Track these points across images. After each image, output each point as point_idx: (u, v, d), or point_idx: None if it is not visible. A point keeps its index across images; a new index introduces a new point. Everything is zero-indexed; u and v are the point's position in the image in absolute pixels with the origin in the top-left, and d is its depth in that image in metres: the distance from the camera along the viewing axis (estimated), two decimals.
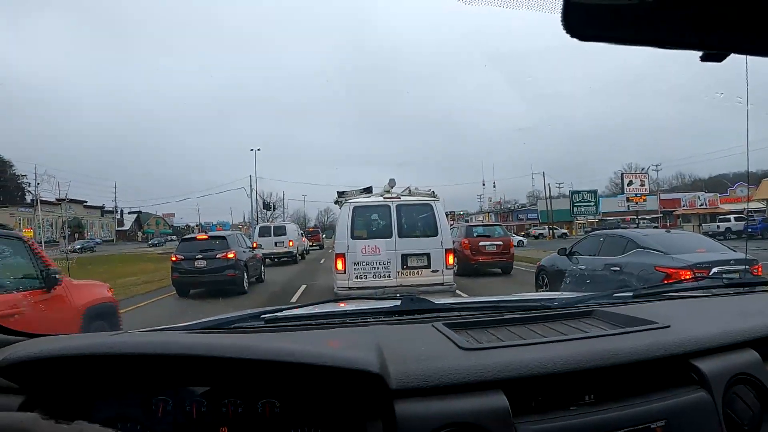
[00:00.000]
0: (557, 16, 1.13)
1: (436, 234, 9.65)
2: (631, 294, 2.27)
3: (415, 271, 9.56)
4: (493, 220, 78.79)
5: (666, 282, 7.10)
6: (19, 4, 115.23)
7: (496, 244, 18.40)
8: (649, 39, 1.20)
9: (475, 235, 18.89)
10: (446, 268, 9.64)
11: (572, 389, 1.36)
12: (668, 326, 1.59)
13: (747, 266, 7.83)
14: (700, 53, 1.21)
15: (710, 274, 7.31)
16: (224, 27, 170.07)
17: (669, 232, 10.76)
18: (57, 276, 5.64)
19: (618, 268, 8.71)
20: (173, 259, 14.95)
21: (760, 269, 8.06)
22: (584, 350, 1.42)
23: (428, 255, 9.61)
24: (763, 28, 1.16)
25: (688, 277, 7.11)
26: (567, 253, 10.44)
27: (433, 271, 9.59)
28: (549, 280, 10.99)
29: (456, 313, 1.97)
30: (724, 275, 7.19)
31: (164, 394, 1.35)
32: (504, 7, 1.15)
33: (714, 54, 1.21)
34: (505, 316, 1.87)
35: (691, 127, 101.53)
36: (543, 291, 10.58)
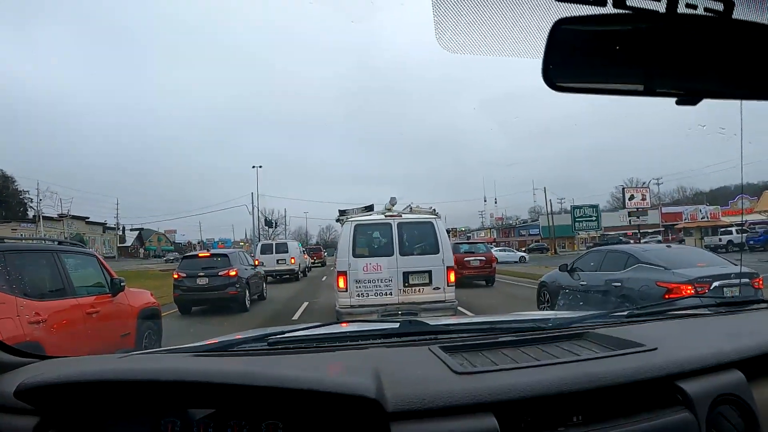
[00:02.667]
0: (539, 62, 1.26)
1: (437, 252, 9.61)
2: (625, 314, 2.33)
3: (417, 288, 9.51)
4: (495, 237, 79.01)
5: (667, 297, 7.30)
6: (24, 17, 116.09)
7: (480, 259, 20.71)
8: (625, 90, 1.32)
9: (461, 251, 20.48)
10: (447, 286, 9.58)
11: (561, 411, 1.41)
12: (656, 348, 1.64)
13: (748, 279, 8.06)
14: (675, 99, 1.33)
15: (711, 288, 7.57)
16: (229, 46, 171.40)
17: (669, 246, 10.90)
18: (122, 284, 7.29)
19: (619, 284, 8.80)
20: (175, 276, 14.92)
21: (761, 282, 8.20)
22: (572, 373, 1.47)
23: (430, 272, 9.55)
24: (729, 76, 1.31)
25: (688, 292, 7.49)
26: (568, 269, 10.52)
27: (434, 289, 9.54)
28: (551, 296, 11.07)
29: (452, 335, 2.03)
30: (724, 288, 7.64)
31: (172, 416, 1.41)
32: (488, 55, 1.28)
33: (687, 99, 1.33)
34: (500, 339, 1.93)
35: (689, 141, 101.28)
36: (545, 307, 11.06)
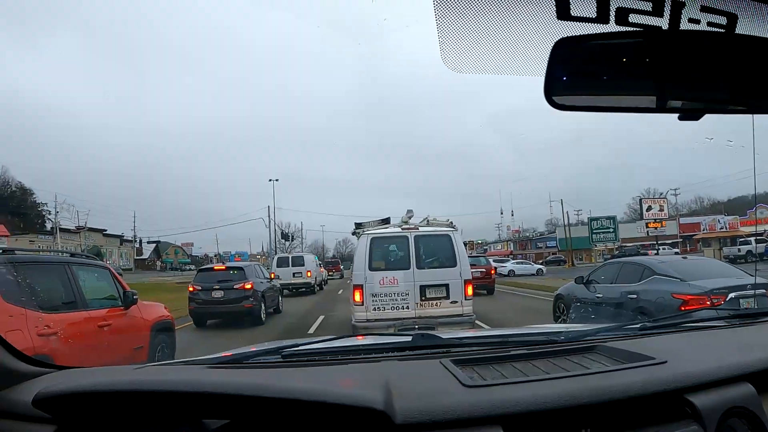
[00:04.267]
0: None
1: (454, 265, 9.47)
2: (638, 327, 2.32)
3: (434, 302, 9.36)
4: (512, 249, 78.88)
5: (682, 309, 7.31)
6: (38, 28, 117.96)
7: (480, 271, 22.65)
8: (628, 107, 1.34)
9: None
10: (465, 299, 9.43)
11: (570, 424, 1.41)
12: (665, 362, 1.62)
13: (763, 290, 7.87)
14: (677, 114, 1.34)
15: (727, 299, 7.51)
16: (245, 57, 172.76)
17: (685, 258, 10.94)
18: (135, 297, 7.19)
19: (635, 296, 8.74)
20: (190, 289, 14.95)
21: None
22: (581, 387, 1.46)
23: (447, 286, 9.41)
24: (733, 91, 1.33)
25: (704, 303, 7.38)
26: (584, 281, 10.48)
27: (452, 303, 9.38)
28: (567, 308, 11.07)
29: (464, 349, 2.04)
30: (740, 300, 7.54)
31: (186, 426, 1.42)
32: (493, 74, 1.32)
33: (690, 114, 1.34)
34: (511, 352, 1.92)
35: (704, 151, 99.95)
36: (561, 319, 11.08)
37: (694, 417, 1.43)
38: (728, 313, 2.62)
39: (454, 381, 1.53)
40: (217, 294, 14.47)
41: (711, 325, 2.34)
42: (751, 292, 7.67)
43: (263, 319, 15.05)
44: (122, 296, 7.10)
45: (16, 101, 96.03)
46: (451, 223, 10.25)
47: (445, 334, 2.46)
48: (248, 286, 14.58)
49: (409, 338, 2.18)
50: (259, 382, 1.39)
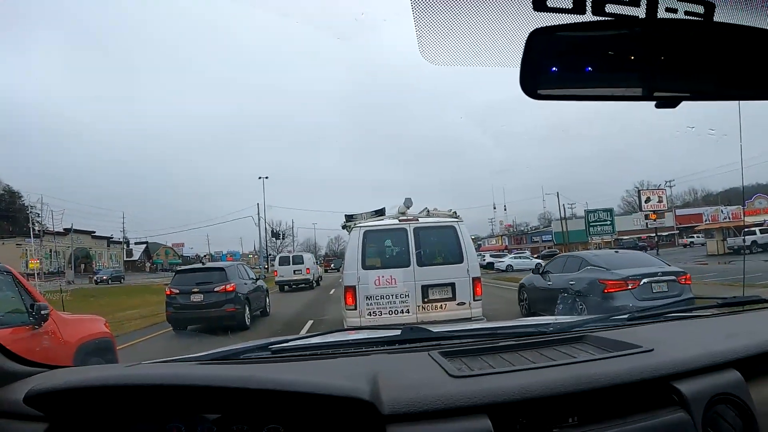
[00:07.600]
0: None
1: (461, 261, 8.45)
2: (625, 317, 2.35)
3: (438, 304, 8.32)
4: (507, 244, 79.00)
5: (605, 291, 9.63)
6: (21, 26, 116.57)
7: None
8: (605, 95, 1.36)
9: None
10: (474, 300, 8.40)
11: (556, 412, 1.41)
12: (652, 350, 1.64)
13: (674, 277, 9.98)
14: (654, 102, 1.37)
15: (641, 284, 9.58)
16: (234, 53, 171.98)
17: (617, 252, 13.65)
18: (45, 312, 5.37)
19: (573, 282, 10.64)
20: (167, 292, 13.83)
21: (688, 279, 10.15)
22: (567, 375, 1.47)
23: (453, 285, 8.37)
24: (711, 78, 1.35)
25: (623, 287, 9.55)
26: (540, 272, 12.66)
27: (459, 304, 8.33)
28: (528, 295, 13.18)
29: (453, 341, 2.05)
30: (652, 284, 9.64)
31: (177, 421, 1.42)
32: (471, 65, 1.36)
33: (667, 102, 1.35)
34: (500, 343, 1.92)
35: (697, 141, 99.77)
36: (523, 304, 13.31)
37: (680, 404, 1.45)
38: (715, 302, 2.63)
39: (442, 372, 1.54)
40: (196, 297, 13.35)
41: (698, 314, 2.39)
42: (662, 278, 9.82)
43: (248, 323, 13.96)
44: (31, 310, 5.33)
45: (1, 101, 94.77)
46: (455, 213, 9.23)
47: (434, 327, 2.43)
48: (230, 288, 13.47)
49: (398, 332, 2.21)
50: (246, 375, 1.43)
